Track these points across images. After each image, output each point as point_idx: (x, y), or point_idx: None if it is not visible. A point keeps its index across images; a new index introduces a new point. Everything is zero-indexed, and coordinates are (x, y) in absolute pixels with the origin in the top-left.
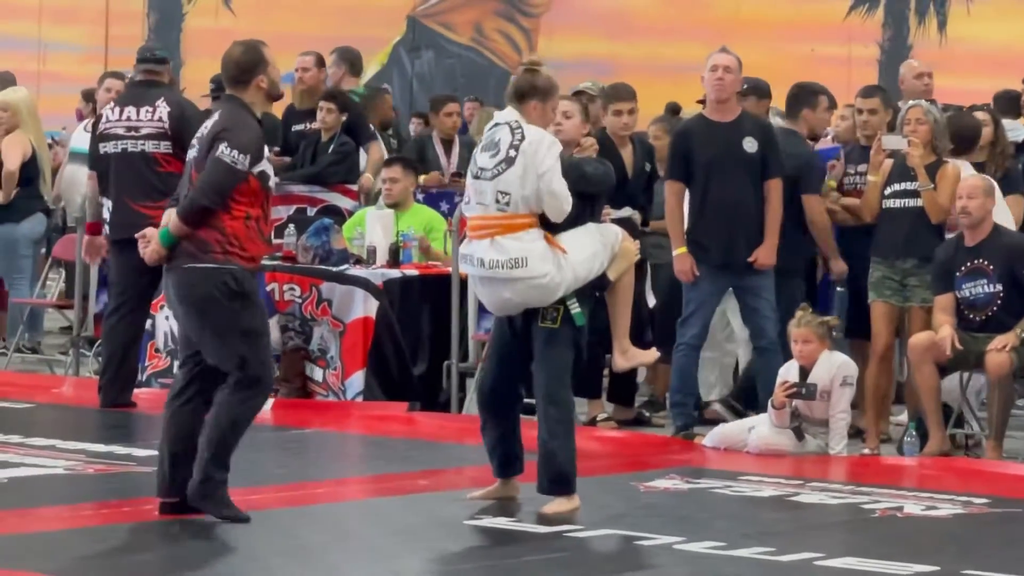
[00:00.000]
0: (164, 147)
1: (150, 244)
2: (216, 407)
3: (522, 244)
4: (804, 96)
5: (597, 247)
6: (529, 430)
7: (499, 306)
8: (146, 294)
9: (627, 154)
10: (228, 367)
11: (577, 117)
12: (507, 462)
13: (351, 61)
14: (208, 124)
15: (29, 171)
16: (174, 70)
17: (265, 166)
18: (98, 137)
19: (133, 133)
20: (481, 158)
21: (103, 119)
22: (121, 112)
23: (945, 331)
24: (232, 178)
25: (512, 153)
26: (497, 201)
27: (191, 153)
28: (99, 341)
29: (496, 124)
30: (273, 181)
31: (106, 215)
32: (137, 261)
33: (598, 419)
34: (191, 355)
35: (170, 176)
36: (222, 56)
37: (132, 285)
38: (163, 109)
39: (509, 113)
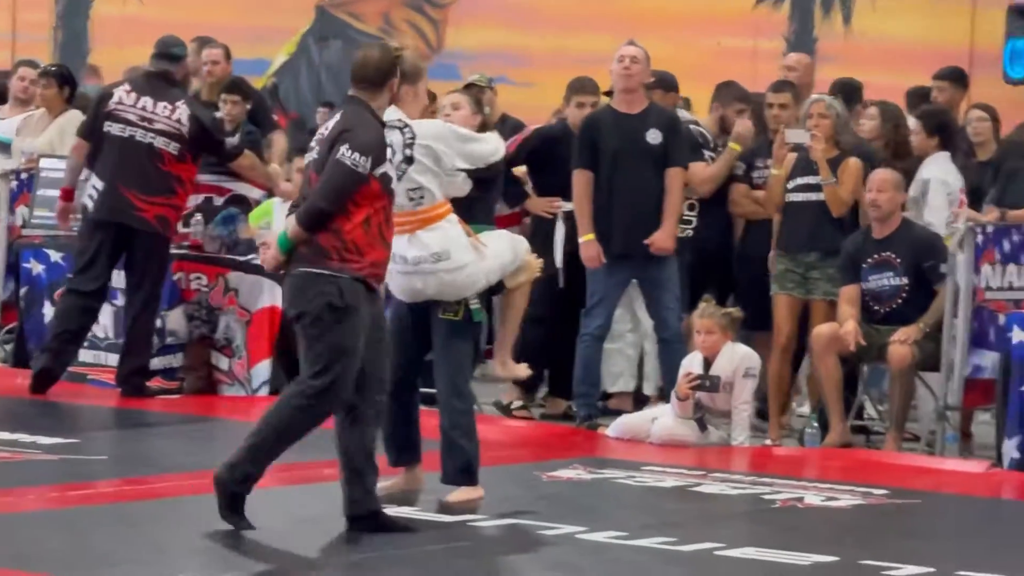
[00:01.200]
0: (174, 148)
1: (269, 250)
2: (277, 404)
3: (442, 235)
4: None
5: (509, 254)
6: (429, 420)
7: (411, 295)
8: (107, 276)
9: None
10: (306, 371)
11: (466, 108)
12: (405, 449)
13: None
14: (329, 125)
15: None
16: (81, 57)
17: (387, 168)
18: (105, 115)
19: (145, 124)
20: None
21: (114, 98)
22: (137, 99)
23: (849, 325)
24: (352, 181)
25: (408, 152)
26: (411, 199)
27: (309, 156)
28: (7, 328)
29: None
30: (395, 183)
31: (92, 192)
32: (112, 244)
33: (513, 405)
34: None
35: (169, 175)
36: (356, 56)
37: (97, 266)
38: (183, 112)
39: (391, 112)
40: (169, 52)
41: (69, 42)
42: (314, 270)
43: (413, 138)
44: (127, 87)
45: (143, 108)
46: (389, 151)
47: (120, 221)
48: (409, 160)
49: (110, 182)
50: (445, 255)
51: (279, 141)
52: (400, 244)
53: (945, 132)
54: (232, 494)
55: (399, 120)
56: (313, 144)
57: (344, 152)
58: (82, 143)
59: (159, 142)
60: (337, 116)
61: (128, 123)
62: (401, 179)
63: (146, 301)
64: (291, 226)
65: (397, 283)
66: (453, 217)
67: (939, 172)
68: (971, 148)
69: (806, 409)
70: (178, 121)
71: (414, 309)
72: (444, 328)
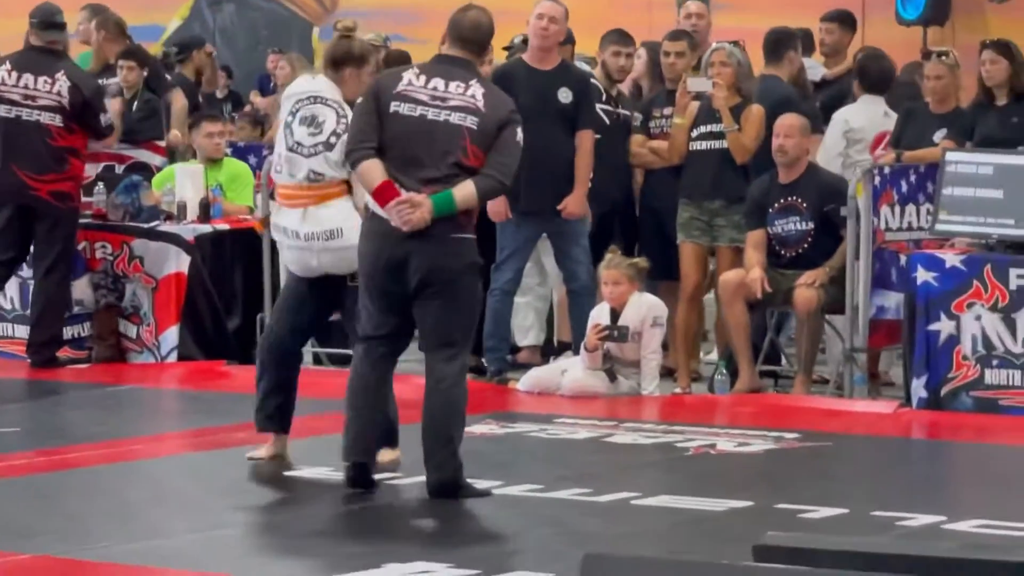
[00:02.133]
0: (59, 120)
1: (417, 210)
2: (449, 390)
3: (335, 212)
4: (785, 40)
5: None
6: (331, 380)
7: (305, 271)
8: (15, 257)
9: None
10: (444, 338)
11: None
12: (283, 413)
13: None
14: (472, 91)
15: None
16: None
17: None
18: None
19: (29, 102)
20: (299, 132)
21: None
22: (19, 78)
23: (755, 272)
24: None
25: (333, 140)
26: (309, 178)
27: (454, 117)
28: None
29: (315, 98)
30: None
31: None
32: (14, 225)
33: None
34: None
35: (60, 149)
36: (464, 20)
37: (12, 247)
38: (63, 83)
39: (327, 87)
40: (52, 21)
41: None
42: (464, 236)
43: (345, 126)
44: (8, 66)
45: (25, 86)
46: (313, 125)
47: (17, 203)
48: (329, 146)
49: (3, 163)
50: (338, 233)
51: (178, 99)
52: (293, 218)
53: (866, 75)
54: (460, 487)
55: (341, 105)
56: (423, 97)
57: (519, 134)
58: None
59: (45, 118)
60: (477, 84)
61: (12, 103)
62: (310, 158)
63: (50, 271)
64: (466, 193)
65: (293, 261)
66: (348, 199)
67: (846, 113)
68: None
69: (713, 356)
70: (59, 93)
71: (309, 279)
72: (353, 295)
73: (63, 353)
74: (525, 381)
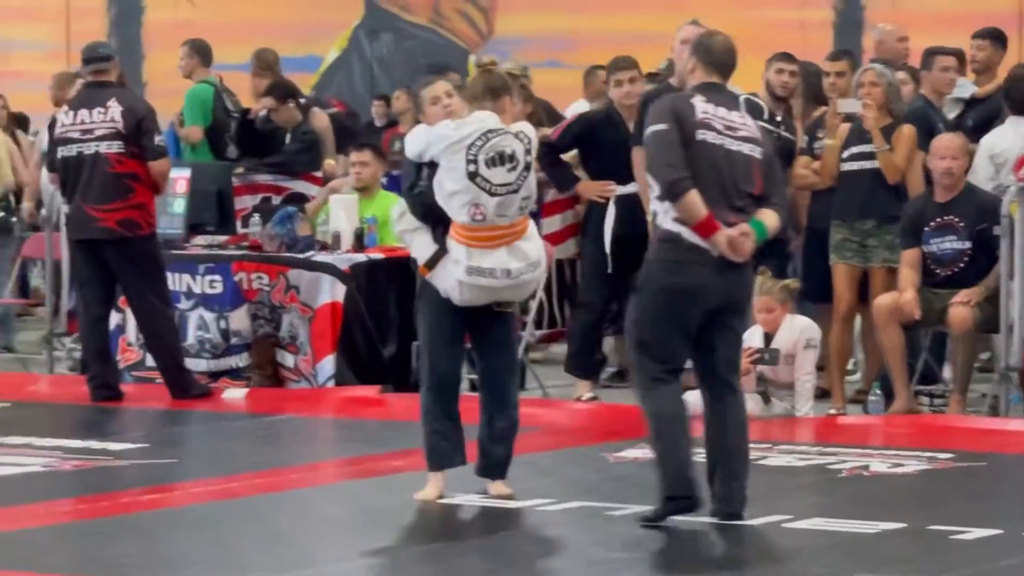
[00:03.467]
0: (116, 147)
1: (748, 240)
2: (739, 423)
3: (534, 242)
4: (925, 59)
5: None
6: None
7: (476, 302)
8: (109, 290)
9: (635, 126)
10: (735, 366)
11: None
12: (460, 448)
13: (202, 52)
14: (746, 120)
15: None
16: (135, 64)
17: None
18: (55, 141)
19: (87, 136)
20: (495, 174)
21: (58, 123)
22: (75, 116)
23: (909, 294)
24: None
25: (528, 159)
26: (521, 209)
27: (745, 148)
28: (74, 337)
29: (487, 134)
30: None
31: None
32: (95, 259)
33: (583, 397)
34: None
35: (121, 177)
36: (715, 46)
37: (93, 284)
38: (115, 109)
39: (490, 117)
40: (95, 55)
41: (123, 50)
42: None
43: (530, 144)
44: (65, 108)
45: (82, 122)
46: (507, 160)
47: (87, 237)
48: (528, 167)
49: (72, 202)
50: (539, 263)
51: (320, 119)
52: (499, 258)
53: (1011, 96)
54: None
55: (506, 129)
56: (719, 126)
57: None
58: (53, 175)
59: (103, 147)
60: (742, 110)
61: (72, 141)
62: (519, 190)
63: (143, 303)
64: (772, 224)
65: (475, 295)
66: (533, 224)
67: (992, 137)
68: None
69: (857, 376)
70: (112, 120)
71: (458, 308)
72: (504, 321)
73: (222, 383)
74: None
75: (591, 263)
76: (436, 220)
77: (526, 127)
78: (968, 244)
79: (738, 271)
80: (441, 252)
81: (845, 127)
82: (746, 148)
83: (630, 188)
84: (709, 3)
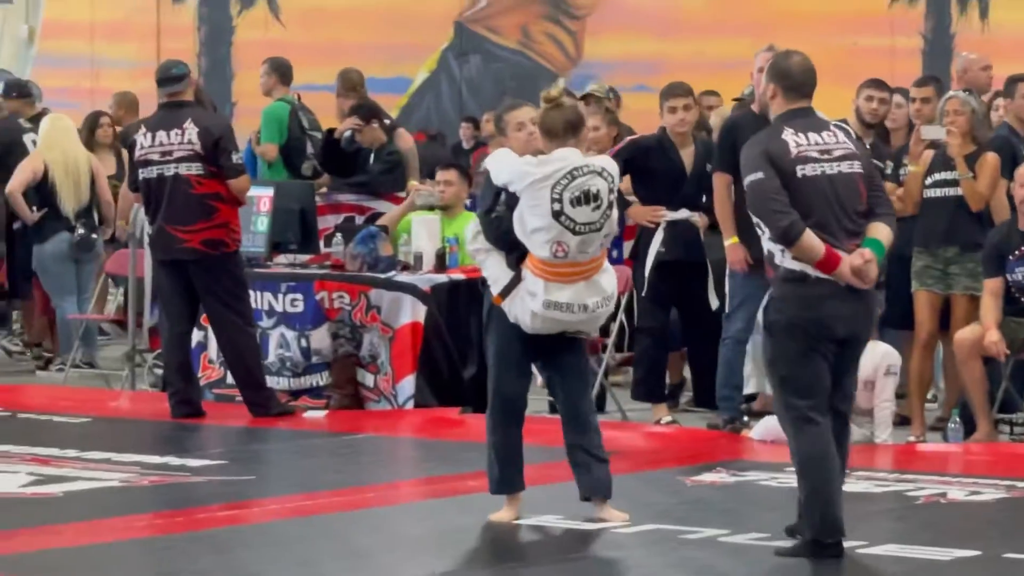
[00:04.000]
0: (196, 168)
1: (871, 265)
2: (841, 446)
3: (609, 276)
4: (1007, 86)
5: None
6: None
7: (552, 331)
8: (192, 308)
9: (687, 154)
10: (851, 403)
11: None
12: (520, 473)
13: (281, 70)
14: (839, 135)
15: (43, 191)
16: (225, 83)
17: None
18: (135, 163)
19: (167, 157)
20: (580, 213)
21: (137, 145)
22: (153, 138)
23: (992, 335)
24: None
25: (612, 197)
26: (601, 245)
27: (845, 166)
28: (156, 353)
29: (572, 173)
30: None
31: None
32: (178, 277)
33: (662, 421)
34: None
35: (202, 197)
36: (793, 68)
37: (176, 302)
38: (191, 130)
39: (572, 154)
40: (168, 76)
41: (213, 69)
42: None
43: (614, 182)
44: (143, 130)
45: (160, 143)
46: (592, 199)
47: (172, 258)
48: (611, 205)
49: (155, 223)
50: (612, 296)
51: (405, 139)
52: (577, 293)
53: None
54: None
55: (601, 167)
56: (815, 154)
57: None
58: (136, 195)
59: (182, 169)
60: (830, 126)
61: (152, 163)
62: (602, 228)
63: (225, 323)
64: (887, 239)
65: (547, 325)
66: (605, 259)
67: None
68: None
69: (937, 404)
70: (189, 141)
71: (528, 334)
72: (575, 347)
73: (301, 402)
74: (758, 429)
75: (641, 289)
76: (510, 247)
77: (609, 163)
78: None
79: (864, 299)
80: (516, 281)
81: (929, 154)
82: (845, 166)
83: (680, 214)
84: (798, 30)
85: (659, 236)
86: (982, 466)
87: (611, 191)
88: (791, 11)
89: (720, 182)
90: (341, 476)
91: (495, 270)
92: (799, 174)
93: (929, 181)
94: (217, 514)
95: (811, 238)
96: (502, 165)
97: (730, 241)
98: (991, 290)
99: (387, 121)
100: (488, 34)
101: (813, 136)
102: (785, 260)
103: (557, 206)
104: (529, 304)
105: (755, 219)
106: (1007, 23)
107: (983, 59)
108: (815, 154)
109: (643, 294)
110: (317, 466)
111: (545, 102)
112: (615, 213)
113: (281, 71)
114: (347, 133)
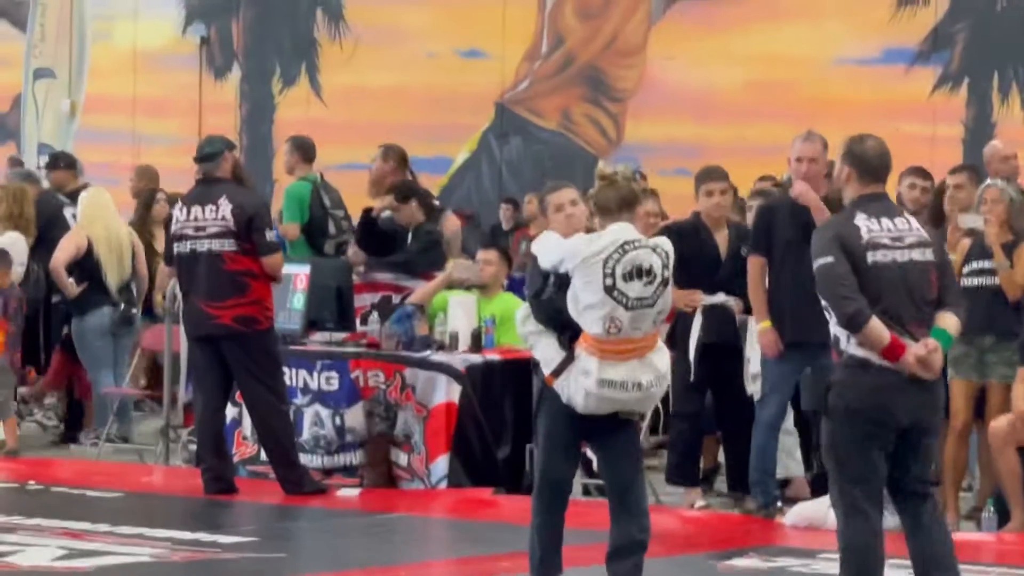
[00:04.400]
0: (229, 245)
1: (937, 354)
2: (937, 528)
3: (663, 355)
4: None
5: None
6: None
7: (605, 411)
8: (226, 385)
9: (721, 238)
10: (926, 483)
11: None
12: (560, 556)
13: (303, 148)
14: (911, 223)
15: (87, 265)
16: (266, 161)
17: None
18: (171, 238)
19: (200, 233)
20: (633, 288)
21: (174, 219)
22: (188, 212)
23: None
24: None
25: (667, 274)
26: (655, 322)
27: (916, 254)
28: (190, 429)
29: (623, 247)
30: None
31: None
32: (212, 353)
33: (695, 506)
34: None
35: (235, 274)
36: (869, 153)
37: (210, 378)
38: (225, 207)
39: (626, 229)
40: (202, 154)
41: (254, 146)
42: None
43: (668, 258)
44: (180, 204)
45: (195, 219)
46: (644, 274)
47: (204, 333)
48: (666, 282)
49: (187, 298)
50: (667, 375)
51: (451, 224)
52: (632, 371)
53: None
54: None
55: (655, 244)
56: (887, 241)
57: None
58: (171, 269)
59: (215, 245)
60: (903, 213)
61: (187, 238)
62: (655, 304)
63: (257, 401)
64: (956, 330)
65: (601, 405)
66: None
67: None
68: None
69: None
70: (223, 218)
71: (580, 416)
72: (626, 429)
73: (334, 480)
74: (792, 515)
75: (678, 373)
76: (562, 327)
77: (664, 241)
78: None
79: (929, 389)
80: (568, 360)
81: (966, 242)
82: (917, 254)
83: (717, 298)
84: (841, 117)
85: (698, 320)
86: (1017, 555)
87: (665, 267)
88: (833, 97)
89: (754, 265)
90: (373, 555)
91: (547, 351)
92: (870, 260)
93: (967, 270)
94: None
95: (877, 326)
96: (550, 246)
97: (762, 325)
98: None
99: (436, 203)
100: (529, 116)
101: (886, 222)
102: (850, 346)
103: (609, 280)
104: (583, 383)
105: (823, 303)
106: None
107: (1005, 148)
108: (887, 241)
109: (679, 379)
110: (349, 545)
111: (600, 179)
112: (669, 291)
113: (303, 149)
114: (385, 213)
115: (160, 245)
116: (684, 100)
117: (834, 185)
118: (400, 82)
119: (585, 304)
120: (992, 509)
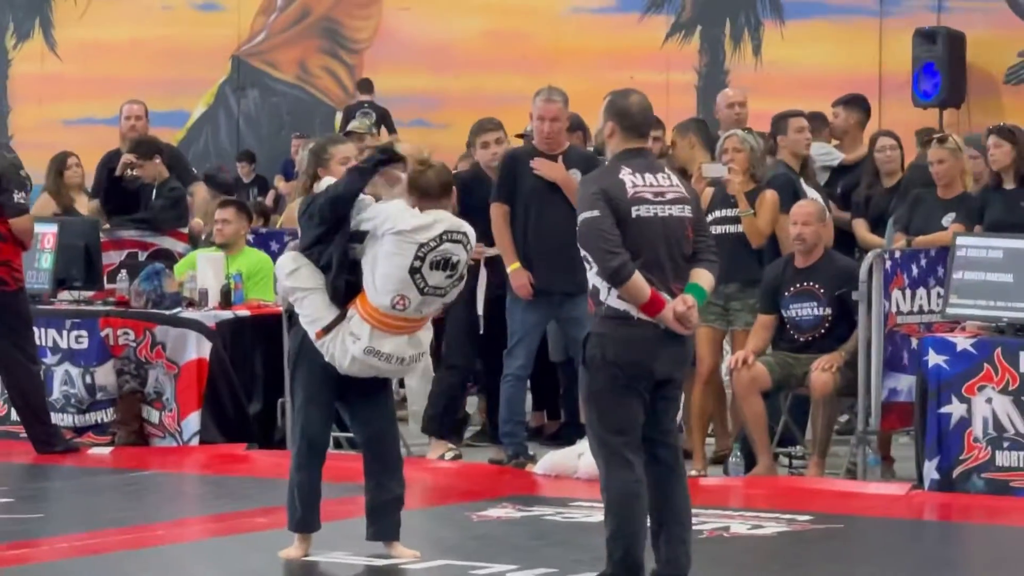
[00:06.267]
0: None
1: (694, 310)
2: (680, 484)
3: (428, 332)
4: (776, 124)
5: None
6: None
7: (364, 375)
8: None
9: (497, 182)
10: (673, 435)
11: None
12: (317, 511)
13: None
14: (672, 179)
15: None
16: (1, 117)
17: None
18: None
19: None
20: (434, 277)
21: None
22: None
23: (746, 356)
24: None
25: (464, 271)
26: (437, 310)
27: (675, 210)
28: None
29: (441, 237)
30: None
31: None
32: None
33: (446, 456)
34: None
35: None
36: (631, 107)
37: None
38: None
39: (446, 217)
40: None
41: None
42: None
43: (471, 249)
44: None
45: None
46: (449, 267)
47: None
48: (462, 278)
49: None
50: (427, 352)
51: (200, 191)
52: (399, 345)
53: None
54: None
55: (459, 232)
56: (650, 196)
57: None
58: None
59: None
60: (665, 169)
61: None
62: (447, 295)
63: (7, 361)
64: (710, 285)
65: (361, 370)
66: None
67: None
68: (878, 174)
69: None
70: None
71: (338, 375)
72: (384, 387)
73: (86, 438)
74: (542, 464)
75: (460, 325)
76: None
77: (470, 231)
78: (828, 310)
79: (681, 343)
80: (340, 319)
81: (709, 191)
82: (676, 210)
83: (495, 250)
84: (576, 66)
85: (483, 274)
86: (763, 500)
87: (465, 264)
88: (568, 47)
89: (497, 212)
90: (127, 513)
91: (315, 308)
92: (634, 215)
93: (710, 218)
94: (4, 553)
95: (639, 282)
96: (377, 209)
97: (512, 267)
98: (762, 323)
99: (194, 171)
100: (266, 68)
101: (649, 177)
102: (610, 298)
103: (417, 263)
104: (350, 346)
105: (584, 254)
106: (779, 60)
107: (734, 95)
108: (650, 196)
109: (457, 330)
110: (103, 504)
111: (418, 164)
112: (462, 284)
113: None
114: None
115: (83, 208)
116: (420, 51)
117: (595, 141)
118: (136, 35)
119: (383, 273)
120: (739, 454)
